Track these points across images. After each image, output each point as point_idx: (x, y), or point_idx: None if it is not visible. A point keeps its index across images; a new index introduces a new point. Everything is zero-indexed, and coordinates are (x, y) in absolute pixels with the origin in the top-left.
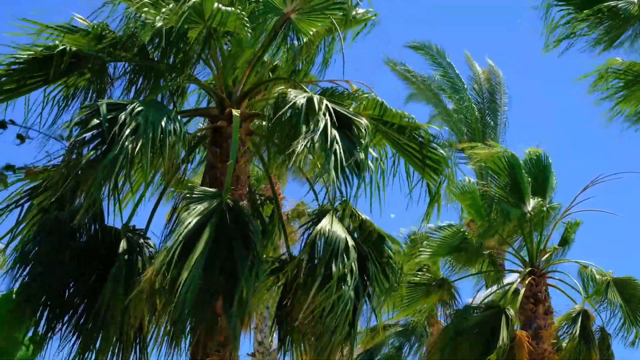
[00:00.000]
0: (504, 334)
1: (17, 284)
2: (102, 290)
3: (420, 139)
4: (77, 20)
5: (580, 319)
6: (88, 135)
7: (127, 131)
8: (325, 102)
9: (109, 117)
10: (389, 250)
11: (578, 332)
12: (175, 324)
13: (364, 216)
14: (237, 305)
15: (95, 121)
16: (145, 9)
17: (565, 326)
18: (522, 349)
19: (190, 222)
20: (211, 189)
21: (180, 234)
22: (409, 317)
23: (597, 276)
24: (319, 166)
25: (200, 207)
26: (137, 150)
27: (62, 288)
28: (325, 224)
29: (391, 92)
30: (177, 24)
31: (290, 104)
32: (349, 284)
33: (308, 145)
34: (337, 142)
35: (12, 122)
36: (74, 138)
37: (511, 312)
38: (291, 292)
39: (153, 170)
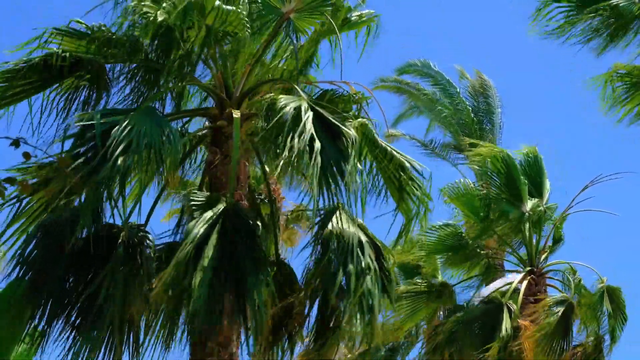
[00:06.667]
0: (506, 324)
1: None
2: (100, 287)
3: (401, 172)
4: (75, 23)
5: (563, 306)
6: (82, 148)
7: (120, 148)
8: (309, 113)
9: (102, 129)
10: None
11: (560, 312)
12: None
13: (359, 221)
14: (250, 311)
15: (89, 134)
16: (146, 2)
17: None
18: (529, 338)
19: (197, 233)
20: (214, 194)
21: (188, 244)
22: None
23: (589, 284)
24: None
25: (205, 215)
26: (127, 165)
27: (60, 287)
28: (335, 223)
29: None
30: (177, 20)
31: (279, 111)
32: (372, 280)
33: (292, 156)
34: (320, 154)
35: (24, 141)
36: (67, 151)
37: (513, 305)
38: (293, 293)
39: (149, 179)
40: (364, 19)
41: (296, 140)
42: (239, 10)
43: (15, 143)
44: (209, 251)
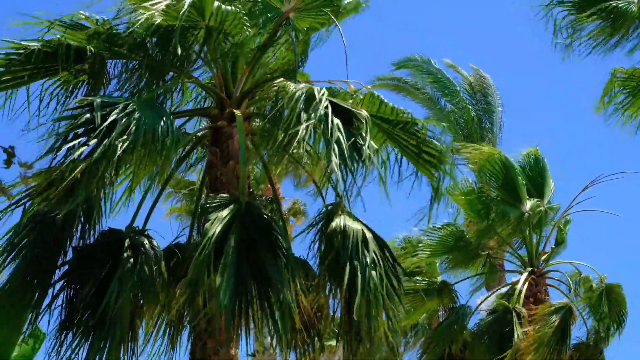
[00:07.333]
0: (518, 331)
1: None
2: (106, 290)
3: (418, 134)
4: (79, 17)
5: (562, 312)
6: (80, 129)
7: (118, 130)
8: (324, 92)
9: (102, 113)
10: None
11: (557, 322)
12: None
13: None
14: (279, 309)
15: (88, 116)
16: (145, 4)
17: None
18: (527, 342)
19: (214, 232)
20: (227, 195)
21: (207, 244)
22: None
23: (591, 283)
24: (321, 156)
25: (220, 214)
26: (125, 149)
27: (49, 281)
28: (338, 219)
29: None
30: (176, 22)
31: (291, 94)
32: (377, 273)
33: (309, 132)
34: (339, 131)
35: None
36: (64, 130)
37: (522, 310)
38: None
39: (148, 171)
40: (354, 5)
41: (313, 114)
42: (238, 11)
43: (9, 154)
44: (229, 250)
